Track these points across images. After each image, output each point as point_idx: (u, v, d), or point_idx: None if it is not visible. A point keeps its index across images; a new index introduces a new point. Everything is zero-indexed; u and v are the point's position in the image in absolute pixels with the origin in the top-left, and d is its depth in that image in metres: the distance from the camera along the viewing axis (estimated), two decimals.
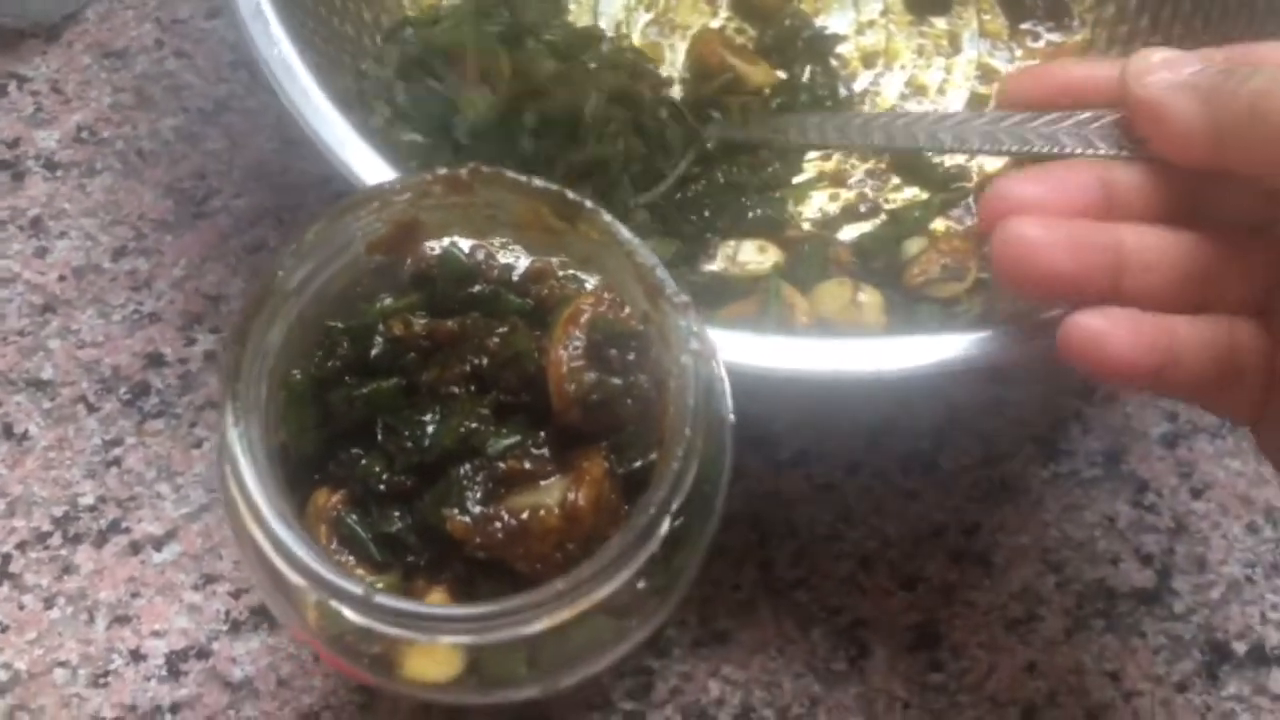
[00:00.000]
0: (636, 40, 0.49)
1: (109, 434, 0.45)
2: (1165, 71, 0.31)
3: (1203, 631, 0.43)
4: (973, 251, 0.45)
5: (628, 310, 0.26)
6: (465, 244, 0.27)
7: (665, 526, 0.22)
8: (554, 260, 0.27)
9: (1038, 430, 0.45)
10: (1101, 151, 0.32)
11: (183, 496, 0.44)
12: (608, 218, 0.24)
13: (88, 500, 0.44)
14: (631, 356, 0.26)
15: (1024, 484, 0.45)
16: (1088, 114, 0.33)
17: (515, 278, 0.27)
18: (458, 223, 0.25)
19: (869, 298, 0.42)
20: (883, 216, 0.47)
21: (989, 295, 0.43)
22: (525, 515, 0.23)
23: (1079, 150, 0.33)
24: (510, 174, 0.24)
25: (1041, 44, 0.50)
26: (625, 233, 0.24)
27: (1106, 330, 0.30)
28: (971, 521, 0.44)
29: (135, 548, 0.43)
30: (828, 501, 0.44)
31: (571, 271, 0.27)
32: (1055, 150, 0.33)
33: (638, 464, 0.24)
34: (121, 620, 0.42)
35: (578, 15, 0.49)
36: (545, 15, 0.46)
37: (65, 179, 0.48)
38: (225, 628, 0.42)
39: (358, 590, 0.21)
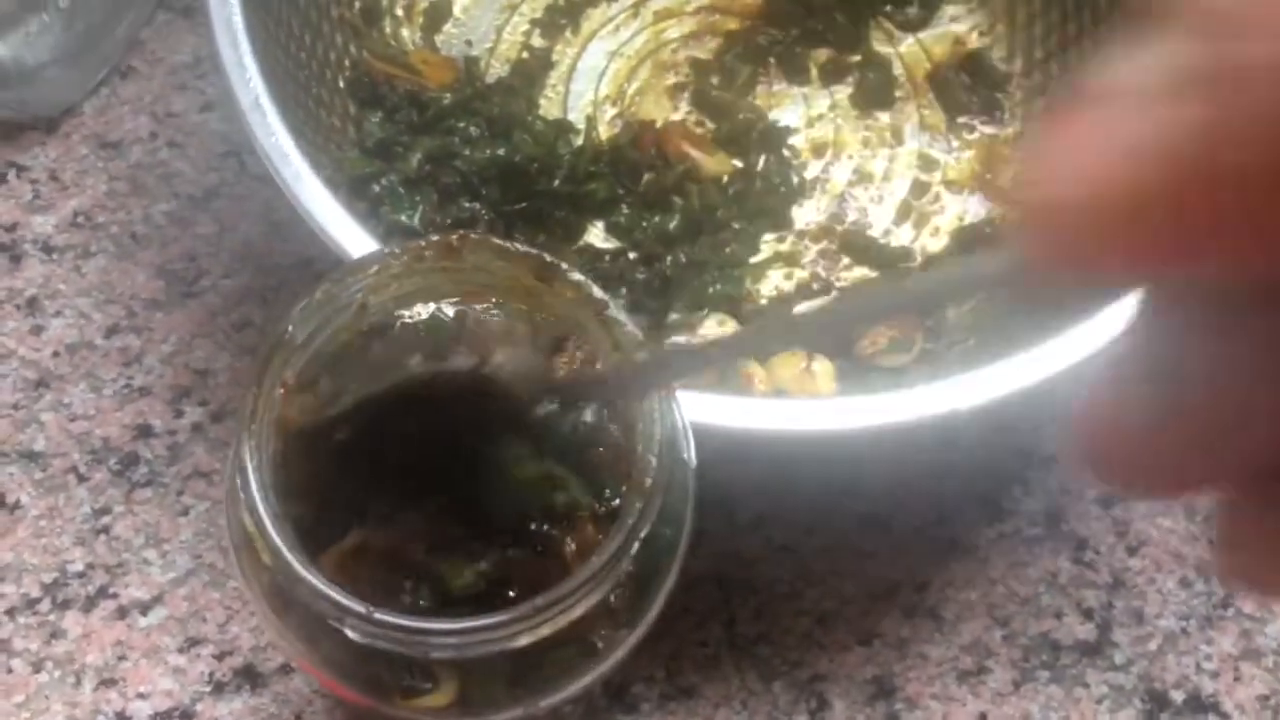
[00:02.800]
0: (603, 132, 0.53)
1: (98, 503, 0.46)
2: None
3: (1142, 681, 0.45)
4: (918, 324, 0.48)
5: (600, 366, 0.29)
6: (450, 310, 0.30)
7: (635, 547, 0.24)
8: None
9: (983, 491, 0.48)
10: None
11: (169, 562, 0.45)
12: (579, 277, 0.27)
13: (77, 567, 0.45)
14: (602, 410, 0.28)
15: (971, 543, 0.47)
16: None
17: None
18: (449, 286, 0.28)
19: (821, 367, 0.45)
20: (834, 294, 0.50)
21: (934, 365, 0.47)
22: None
23: None
24: (495, 240, 0.27)
25: (976, 135, 0.54)
26: (596, 291, 0.27)
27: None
28: (923, 579, 0.47)
29: (122, 612, 0.44)
30: (786, 561, 0.47)
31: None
32: None
33: (615, 502, 0.26)
34: (108, 683, 0.43)
35: (548, 110, 0.53)
36: (521, 112, 0.50)
37: (61, 261, 0.51)
38: (209, 689, 0.43)
39: (359, 608, 0.23)
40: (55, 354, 0.49)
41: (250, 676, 0.44)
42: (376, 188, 0.47)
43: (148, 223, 0.52)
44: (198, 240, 0.52)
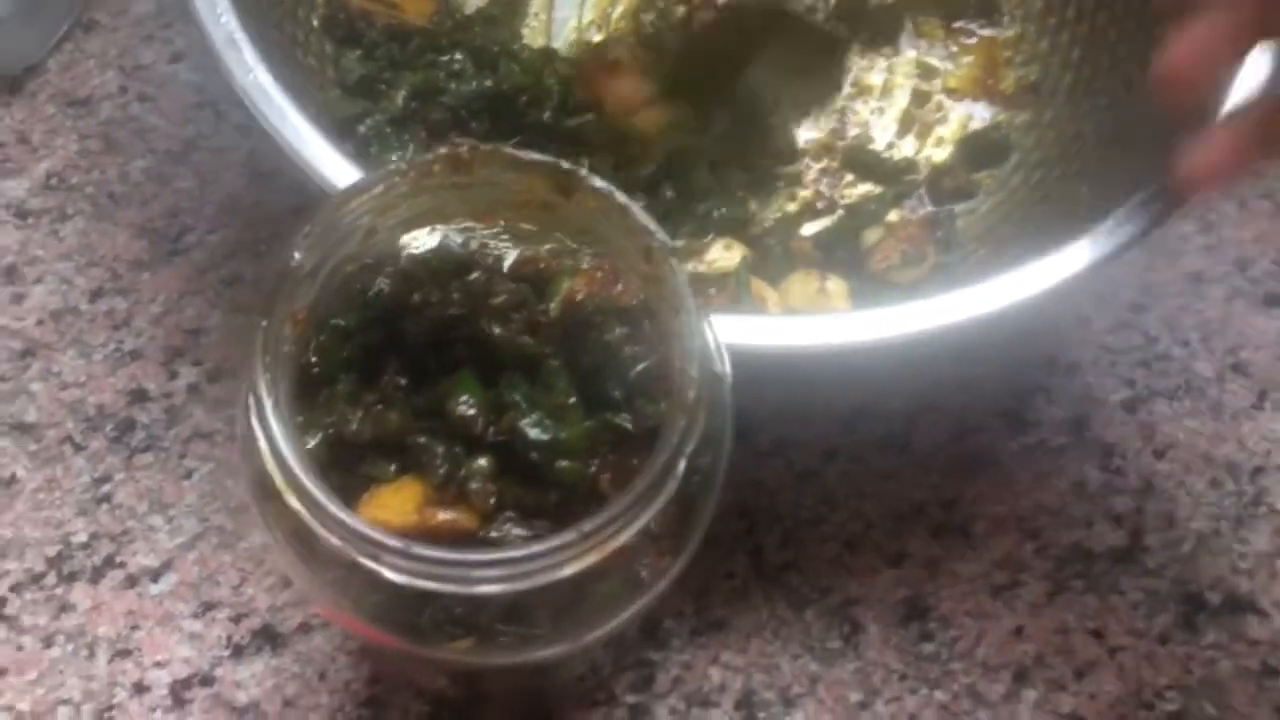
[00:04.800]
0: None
1: (97, 471, 0.45)
2: None
3: (1177, 585, 0.44)
4: (928, 237, 0.47)
5: (620, 287, 0.27)
6: (458, 237, 0.28)
7: (682, 466, 0.23)
8: (543, 249, 0.28)
9: (1005, 405, 0.47)
10: None
11: (176, 527, 0.44)
12: (602, 183, 0.25)
13: (80, 538, 0.44)
14: (628, 330, 0.27)
15: (995, 457, 0.46)
16: None
17: (506, 268, 0.28)
18: (458, 205, 0.26)
19: (835, 285, 0.44)
20: (840, 212, 0.49)
21: (948, 278, 0.45)
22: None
23: None
24: (507, 149, 0.25)
25: (975, 40, 0.52)
26: (621, 196, 0.25)
27: None
28: (949, 497, 0.46)
29: (132, 581, 0.43)
30: (809, 487, 0.46)
31: (561, 258, 0.28)
32: None
33: (652, 423, 0.25)
34: (122, 654, 0.42)
35: (532, 39, 0.51)
36: (506, 41, 0.48)
37: (37, 226, 0.49)
38: (228, 653, 0.42)
39: (396, 544, 0.22)
40: (40, 322, 0.47)
41: (270, 637, 0.42)
42: (362, 128, 0.45)
43: (125, 181, 0.50)
44: (179, 195, 0.50)
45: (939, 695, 0.42)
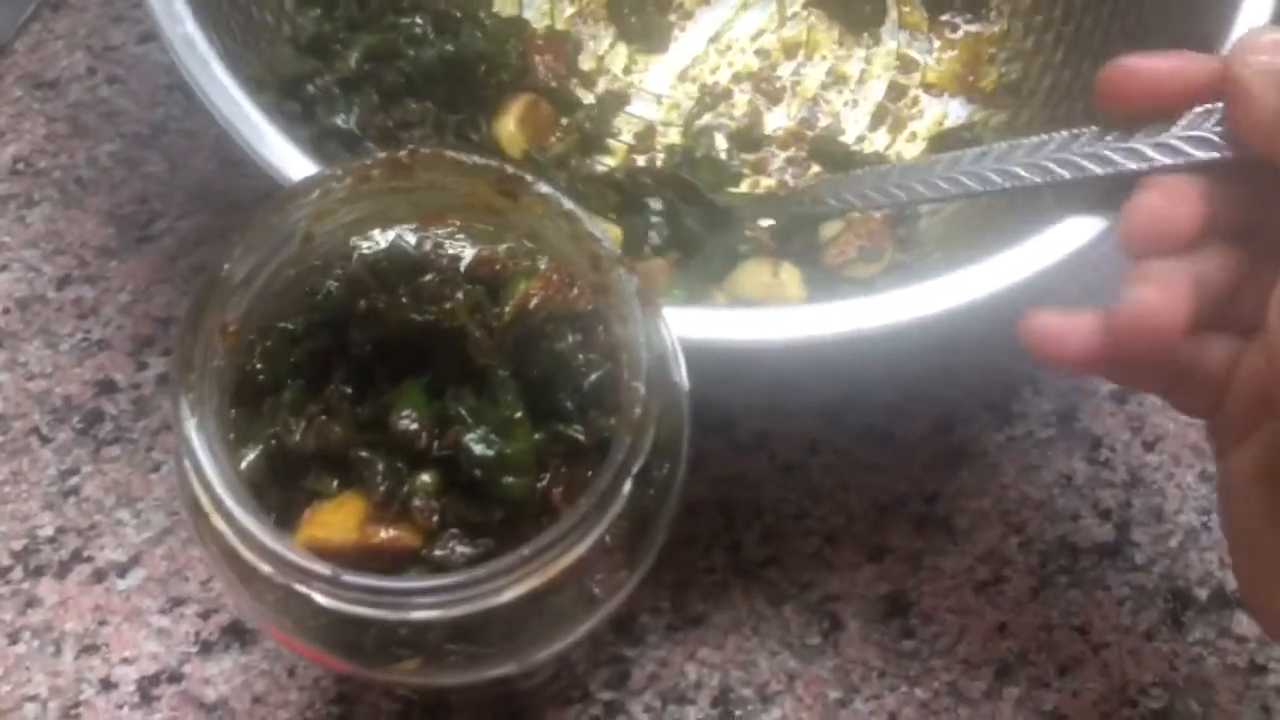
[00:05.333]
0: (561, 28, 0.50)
1: (64, 464, 0.44)
2: (1267, 55, 0.30)
3: (1165, 580, 0.44)
4: (889, 235, 0.46)
5: (575, 291, 0.26)
6: (411, 237, 0.27)
7: (628, 486, 0.22)
8: (500, 249, 0.27)
9: (990, 396, 0.46)
10: (1166, 162, 0.32)
11: (144, 521, 0.43)
12: (547, 189, 0.24)
13: (47, 532, 0.43)
14: (581, 337, 0.26)
15: (980, 449, 0.45)
16: (1144, 124, 0.33)
17: (463, 268, 0.27)
18: (402, 208, 0.25)
19: (788, 274, 0.43)
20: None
21: (904, 276, 0.44)
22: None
23: (1135, 166, 0.32)
24: (449, 153, 0.24)
25: (960, 34, 0.51)
26: (567, 203, 0.24)
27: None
28: (932, 490, 0.45)
29: (99, 576, 0.42)
30: (791, 481, 0.45)
31: (518, 259, 0.27)
32: (1111, 172, 0.33)
33: (605, 435, 0.24)
34: (90, 650, 0.41)
35: (502, 7, 0.50)
36: (472, 7, 0.47)
37: (3, 212, 0.48)
38: (196, 649, 0.42)
39: (325, 571, 0.21)
40: (5, 310, 0.46)
41: (239, 634, 0.42)
42: (310, 88, 0.44)
43: (93, 165, 0.49)
44: (148, 181, 0.49)
45: (919, 693, 0.42)
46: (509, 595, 0.22)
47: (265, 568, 0.21)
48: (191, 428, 0.21)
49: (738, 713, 0.41)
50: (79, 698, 0.41)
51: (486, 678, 0.25)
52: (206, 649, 0.42)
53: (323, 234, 0.25)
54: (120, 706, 0.41)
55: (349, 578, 0.21)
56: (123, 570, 0.43)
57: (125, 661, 0.41)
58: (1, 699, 0.41)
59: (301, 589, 0.21)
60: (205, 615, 0.42)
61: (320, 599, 0.22)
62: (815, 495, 0.44)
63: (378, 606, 0.22)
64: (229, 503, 0.21)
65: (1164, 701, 0.42)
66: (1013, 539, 0.44)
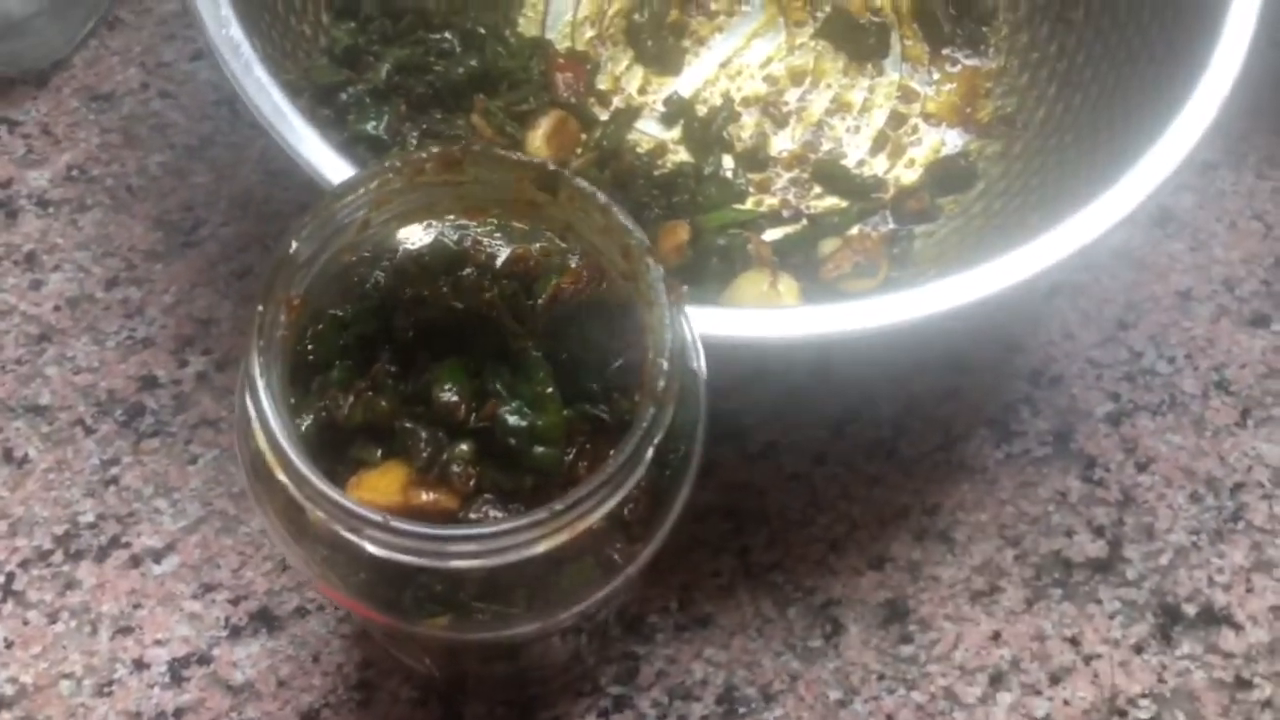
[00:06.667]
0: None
1: (106, 454, 0.46)
2: None
3: (1155, 596, 0.45)
4: (885, 253, 0.48)
5: (604, 285, 0.29)
6: (452, 233, 0.30)
7: (649, 453, 0.24)
8: (534, 247, 0.30)
9: (990, 414, 0.48)
10: None
11: (180, 510, 0.45)
12: (584, 183, 0.26)
13: (88, 518, 0.45)
14: (609, 325, 0.28)
15: (980, 465, 0.47)
16: None
17: (499, 265, 0.30)
18: (450, 201, 0.28)
19: (786, 285, 0.45)
20: (804, 222, 0.50)
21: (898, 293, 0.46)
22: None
23: None
24: (498, 150, 0.26)
25: (959, 69, 0.54)
26: (602, 197, 0.26)
27: None
28: (933, 502, 0.47)
29: (135, 561, 0.45)
30: (798, 489, 0.47)
31: (551, 256, 0.30)
32: None
33: (628, 416, 0.26)
34: (124, 631, 0.43)
35: (526, 29, 0.52)
36: (498, 26, 0.49)
37: (57, 215, 0.51)
38: (225, 634, 0.44)
39: (377, 517, 0.23)
40: (56, 308, 0.49)
41: (266, 620, 0.44)
42: (344, 96, 0.47)
43: (143, 174, 0.52)
44: (194, 190, 0.51)
45: (916, 696, 0.43)
46: (540, 548, 0.24)
47: (321, 516, 0.24)
48: (262, 388, 0.24)
49: (741, 710, 0.43)
50: (112, 676, 0.43)
51: (511, 635, 0.27)
52: (235, 633, 0.43)
53: (378, 222, 0.27)
54: (151, 686, 0.43)
55: (397, 523, 0.23)
56: (158, 556, 0.45)
57: (158, 643, 0.43)
58: (39, 675, 0.43)
59: (352, 537, 0.24)
60: (235, 601, 0.44)
61: (370, 547, 0.24)
62: (820, 504, 0.46)
63: (421, 554, 0.24)
64: (293, 455, 0.23)
65: (1152, 712, 0.43)
66: (1009, 552, 0.46)
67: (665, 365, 0.24)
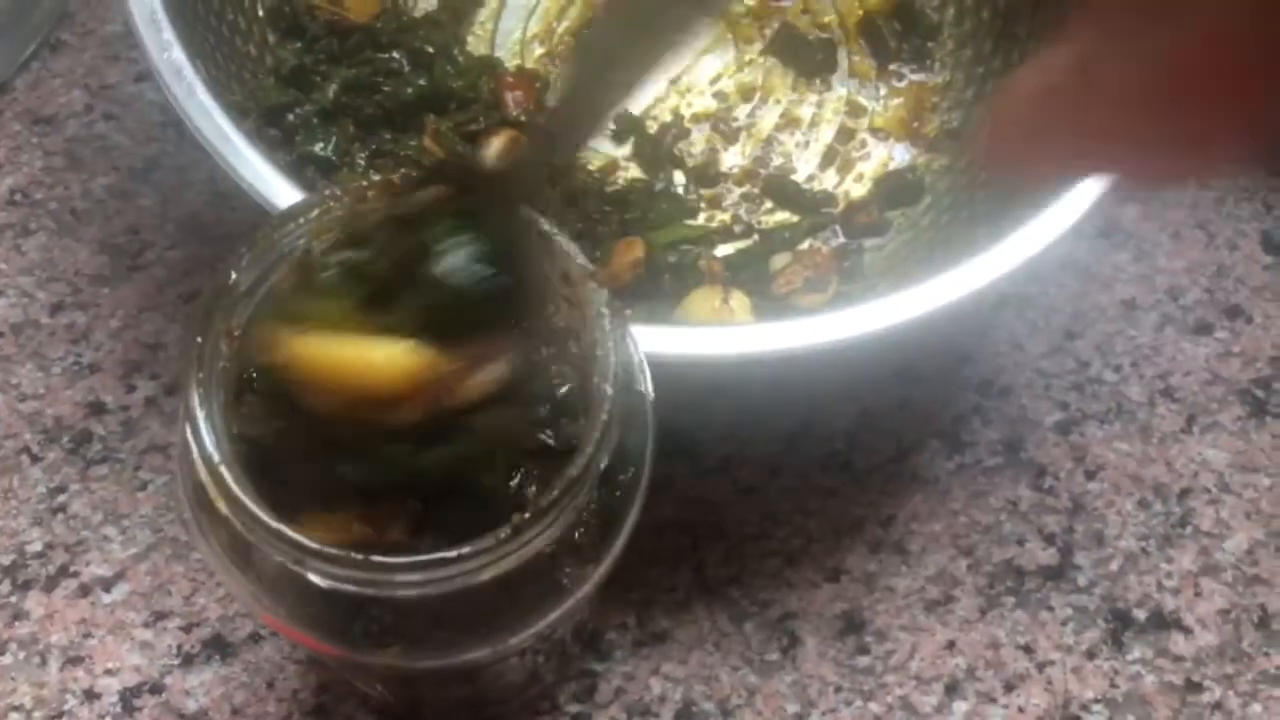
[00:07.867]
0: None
1: (54, 482, 0.46)
2: None
3: (1105, 602, 0.46)
4: (835, 267, 0.49)
5: (550, 309, 0.29)
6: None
7: (595, 476, 0.24)
8: None
9: (941, 425, 0.49)
10: None
11: (130, 538, 0.45)
12: (528, 210, 0.26)
13: (35, 547, 0.45)
14: (555, 350, 0.28)
15: (932, 475, 0.48)
16: None
17: None
18: (393, 229, 0.28)
19: (738, 301, 0.46)
20: (755, 237, 0.50)
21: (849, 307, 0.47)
22: None
23: None
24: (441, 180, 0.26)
25: (905, 84, 0.54)
26: (545, 223, 0.26)
27: None
28: (887, 514, 0.47)
29: (85, 590, 0.44)
30: (753, 504, 0.47)
31: None
32: None
33: (575, 442, 0.26)
34: (74, 661, 0.43)
35: (475, 47, 0.52)
36: (447, 45, 0.49)
37: (0, 240, 0.50)
38: (177, 662, 0.43)
39: (320, 548, 0.23)
40: (0, 334, 0.48)
41: (219, 647, 0.43)
42: (291, 117, 0.46)
43: (87, 197, 0.51)
44: (140, 213, 0.51)
45: (873, 707, 0.44)
46: (488, 574, 0.24)
47: (265, 548, 0.23)
48: (201, 419, 0.23)
49: None
50: (63, 708, 0.42)
51: (464, 662, 0.27)
52: (188, 661, 0.43)
53: (319, 250, 0.27)
54: (103, 717, 0.42)
55: (343, 554, 0.23)
56: (108, 585, 0.44)
57: (108, 673, 0.43)
58: None
59: (297, 569, 0.23)
60: (187, 629, 0.43)
61: (316, 579, 0.24)
62: (776, 518, 0.47)
63: (368, 585, 0.24)
64: (235, 488, 0.23)
65: (1104, 717, 0.44)
66: (962, 561, 0.46)
67: (609, 390, 0.24)
